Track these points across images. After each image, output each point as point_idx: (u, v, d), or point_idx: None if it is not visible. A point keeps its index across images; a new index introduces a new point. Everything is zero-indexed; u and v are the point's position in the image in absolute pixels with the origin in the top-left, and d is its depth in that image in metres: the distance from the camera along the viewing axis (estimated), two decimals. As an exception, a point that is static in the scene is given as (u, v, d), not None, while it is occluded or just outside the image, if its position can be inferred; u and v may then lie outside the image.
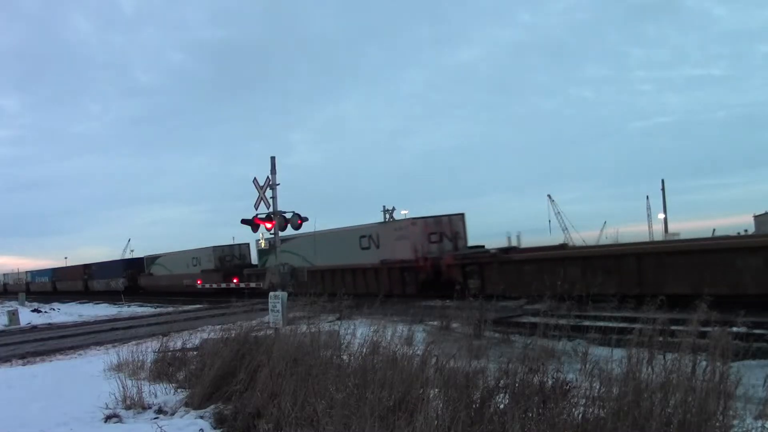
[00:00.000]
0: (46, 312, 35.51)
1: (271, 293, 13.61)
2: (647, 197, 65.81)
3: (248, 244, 38.46)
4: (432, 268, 24.75)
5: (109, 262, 57.44)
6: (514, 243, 28.98)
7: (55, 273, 68.48)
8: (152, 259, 48.97)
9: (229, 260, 39.64)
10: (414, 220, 27.30)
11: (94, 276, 57.04)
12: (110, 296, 47.35)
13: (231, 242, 40.84)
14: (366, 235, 29.24)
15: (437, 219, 26.84)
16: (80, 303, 46.12)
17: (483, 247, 26.23)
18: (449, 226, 26.72)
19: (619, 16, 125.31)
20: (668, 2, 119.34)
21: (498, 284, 20.27)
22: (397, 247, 26.74)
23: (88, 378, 10.73)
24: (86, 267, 60.01)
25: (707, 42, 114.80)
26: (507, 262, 21.42)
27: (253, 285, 33.60)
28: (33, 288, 69.49)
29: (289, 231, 18.71)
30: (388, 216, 37.17)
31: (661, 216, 57.14)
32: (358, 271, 28.52)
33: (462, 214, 27.34)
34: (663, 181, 51.47)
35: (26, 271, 79.74)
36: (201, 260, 41.25)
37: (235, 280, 36.78)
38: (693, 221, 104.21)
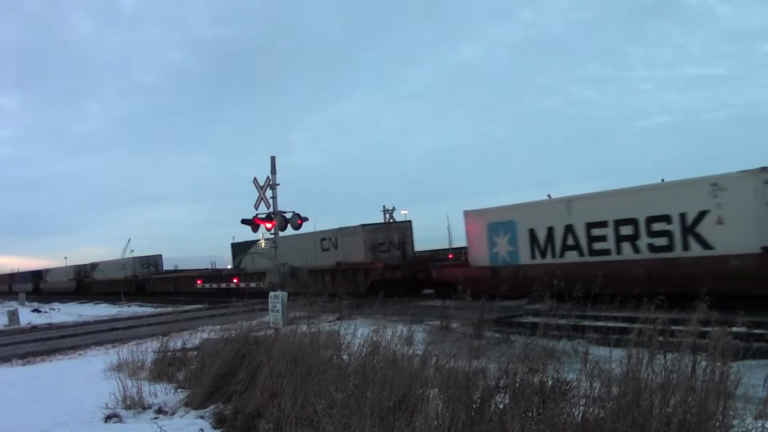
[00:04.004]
0: (46, 312, 35.49)
1: (271, 293, 13.59)
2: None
3: (97, 263, 58.81)
4: None
5: (23, 272, 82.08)
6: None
7: None
8: (47, 271, 73.29)
9: (83, 274, 60.09)
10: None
11: (15, 282, 78.55)
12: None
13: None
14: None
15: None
16: (80, 303, 46.13)
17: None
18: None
19: (621, 14, 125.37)
20: (670, 1, 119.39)
21: None
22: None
23: (88, 378, 10.73)
24: (11, 275, 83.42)
25: (710, 41, 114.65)
26: None
27: (253, 285, 33.97)
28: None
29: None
30: (388, 216, 36.91)
31: (661, 216, 56.97)
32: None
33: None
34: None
35: None
36: (68, 273, 63.93)
37: (235, 280, 38.31)
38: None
